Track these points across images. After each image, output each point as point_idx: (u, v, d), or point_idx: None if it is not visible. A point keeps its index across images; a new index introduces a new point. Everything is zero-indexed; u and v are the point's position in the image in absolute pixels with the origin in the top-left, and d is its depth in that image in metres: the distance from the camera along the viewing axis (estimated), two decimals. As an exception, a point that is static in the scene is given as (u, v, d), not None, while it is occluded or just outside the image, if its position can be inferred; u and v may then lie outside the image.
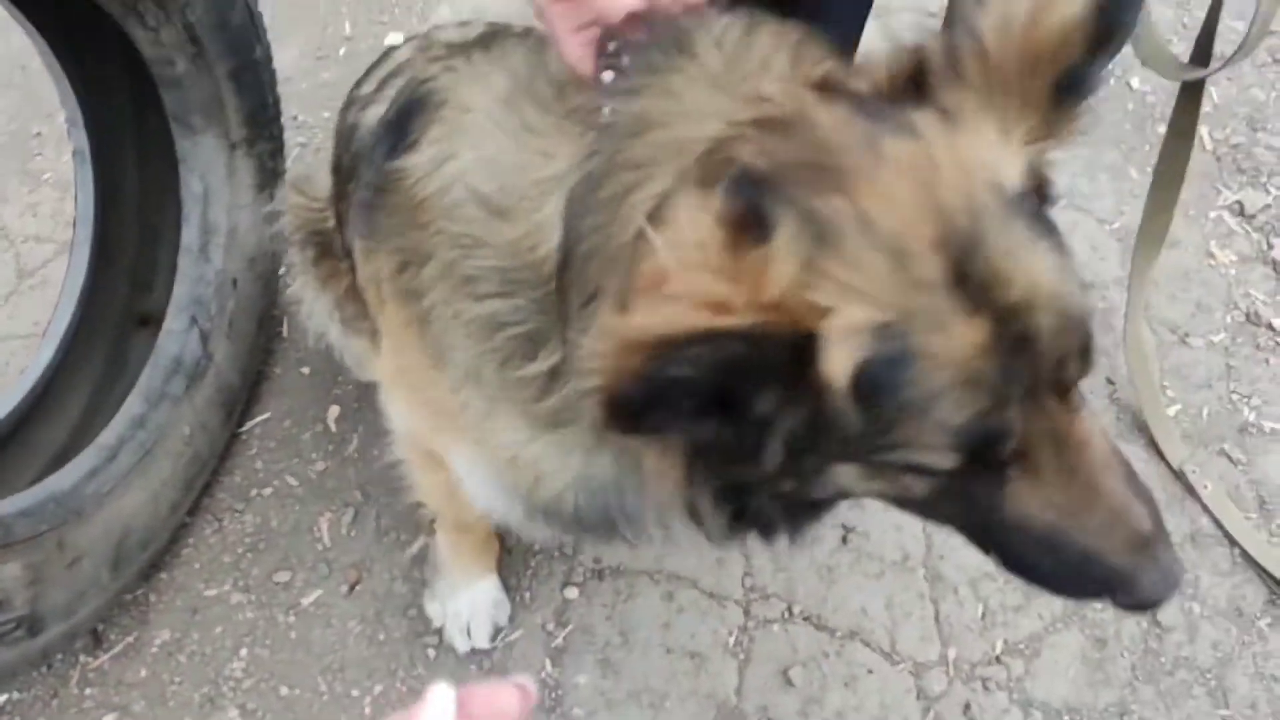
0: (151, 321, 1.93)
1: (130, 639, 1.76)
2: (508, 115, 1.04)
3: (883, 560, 1.83)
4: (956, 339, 0.75)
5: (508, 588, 1.81)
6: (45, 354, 1.81)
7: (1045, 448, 0.81)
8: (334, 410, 2.02)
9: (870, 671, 1.73)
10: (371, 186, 1.20)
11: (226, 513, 1.89)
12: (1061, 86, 0.82)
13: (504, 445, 1.13)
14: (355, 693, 1.71)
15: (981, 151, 0.80)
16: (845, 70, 0.89)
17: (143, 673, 1.73)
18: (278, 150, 1.93)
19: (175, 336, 1.78)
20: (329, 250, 1.58)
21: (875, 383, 0.75)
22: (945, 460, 0.80)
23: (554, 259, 0.95)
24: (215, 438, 1.84)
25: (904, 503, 0.91)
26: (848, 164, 0.77)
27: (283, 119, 1.97)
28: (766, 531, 0.98)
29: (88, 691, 1.72)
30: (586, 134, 0.94)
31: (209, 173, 1.79)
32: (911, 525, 1.86)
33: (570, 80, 1.00)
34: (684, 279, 0.72)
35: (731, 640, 1.76)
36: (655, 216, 0.81)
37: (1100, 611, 1.78)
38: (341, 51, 2.62)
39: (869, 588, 1.81)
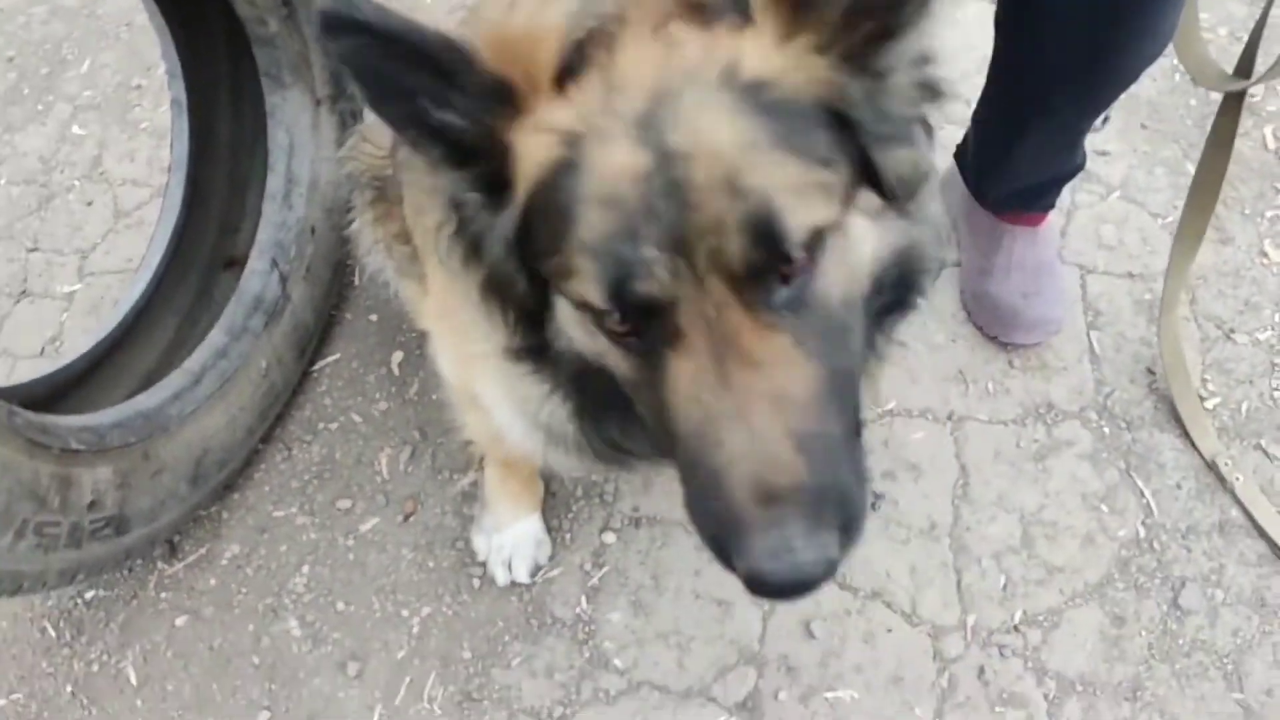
0: (236, 263, 2.08)
1: (203, 551, 1.92)
2: None
3: (910, 528, 1.90)
4: (613, 156, 0.80)
5: (550, 529, 1.92)
6: (139, 287, 1.97)
7: (702, 333, 0.80)
8: (398, 355, 2.15)
9: (890, 630, 1.80)
10: None
11: (296, 442, 2.03)
12: None
13: (489, 357, 1.20)
14: (405, 613, 1.84)
15: (740, 44, 0.84)
16: None
17: (213, 582, 1.89)
18: (357, 110, 2.06)
19: (257, 276, 1.92)
20: (385, 195, 1.72)
21: (549, 187, 0.84)
22: (596, 295, 0.82)
23: None
24: (289, 372, 1.98)
25: (619, 380, 0.94)
26: (633, 25, 0.87)
27: (364, 79, 2.09)
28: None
29: (163, 595, 1.88)
30: None
31: (295, 126, 1.92)
32: (940, 497, 1.93)
33: None
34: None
35: (758, 592, 1.85)
36: None
37: (1122, 591, 1.83)
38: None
39: (894, 553, 1.87)
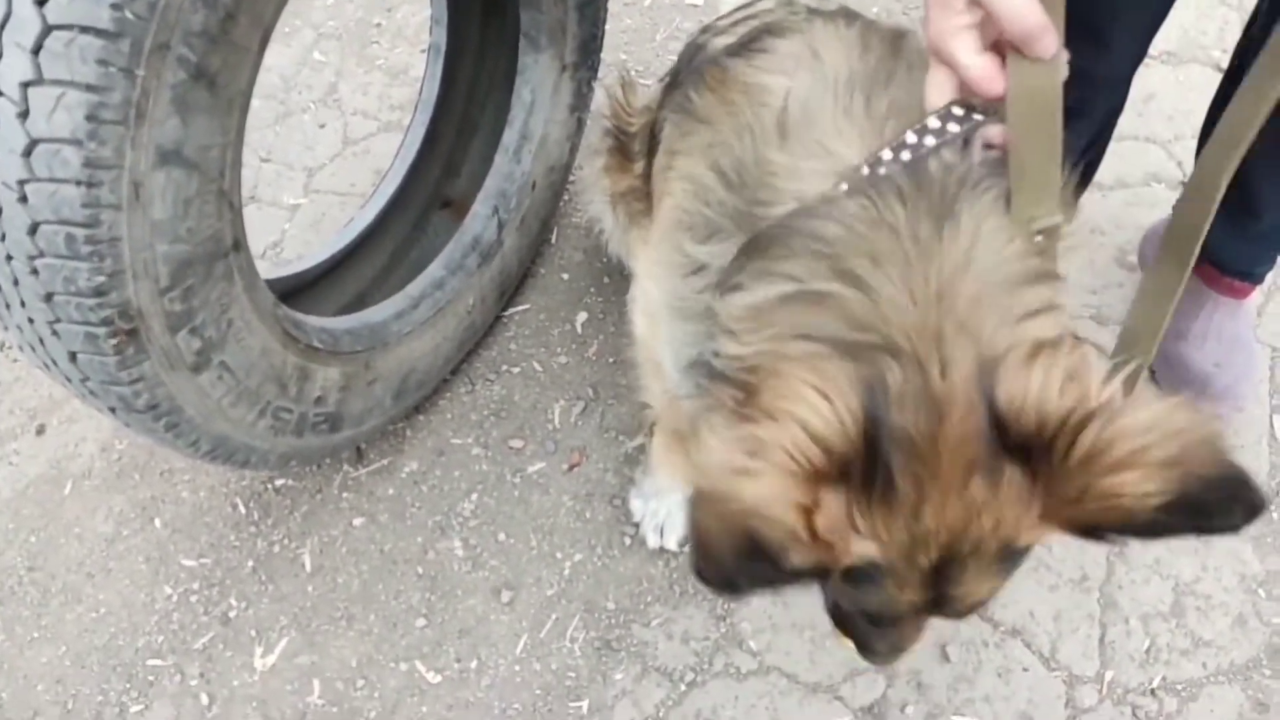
0: (452, 204, 2.22)
1: (385, 462, 2.06)
2: (843, 90, 1.12)
3: (1060, 575, 1.91)
4: (905, 598, 0.98)
5: (704, 505, 1.99)
6: (369, 213, 2.12)
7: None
8: (582, 315, 2.26)
9: (1025, 670, 1.82)
10: (703, 72, 1.32)
11: (480, 379, 2.16)
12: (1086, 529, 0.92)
13: (663, 320, 1.34)
14: (559, 555, 1.95)
15: (1019, 524, 0.92)
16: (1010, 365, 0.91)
17: (391, 491, 2.03)
18: (593, 79, 2.17)
19: (479, 220, 2.05)
20: (623, 150, 1.83)
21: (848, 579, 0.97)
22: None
23: (777, 212, 1.08)
24: (488, 312, 2.11)
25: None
26: (944, 466, 0.89)
27: (599, 53, 2.20)
28: None
29: (345, 495, 2.03)
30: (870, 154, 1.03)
31: (539, 86, 2.04)
32: (1096, 551, 1.93)
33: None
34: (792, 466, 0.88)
35: (897, 605, 1.89)
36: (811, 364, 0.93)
37: (1269, 678, 1.80)
38: (647, 3, 2.85)
39: (1041, 596, 1.89)
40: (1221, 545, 1.94)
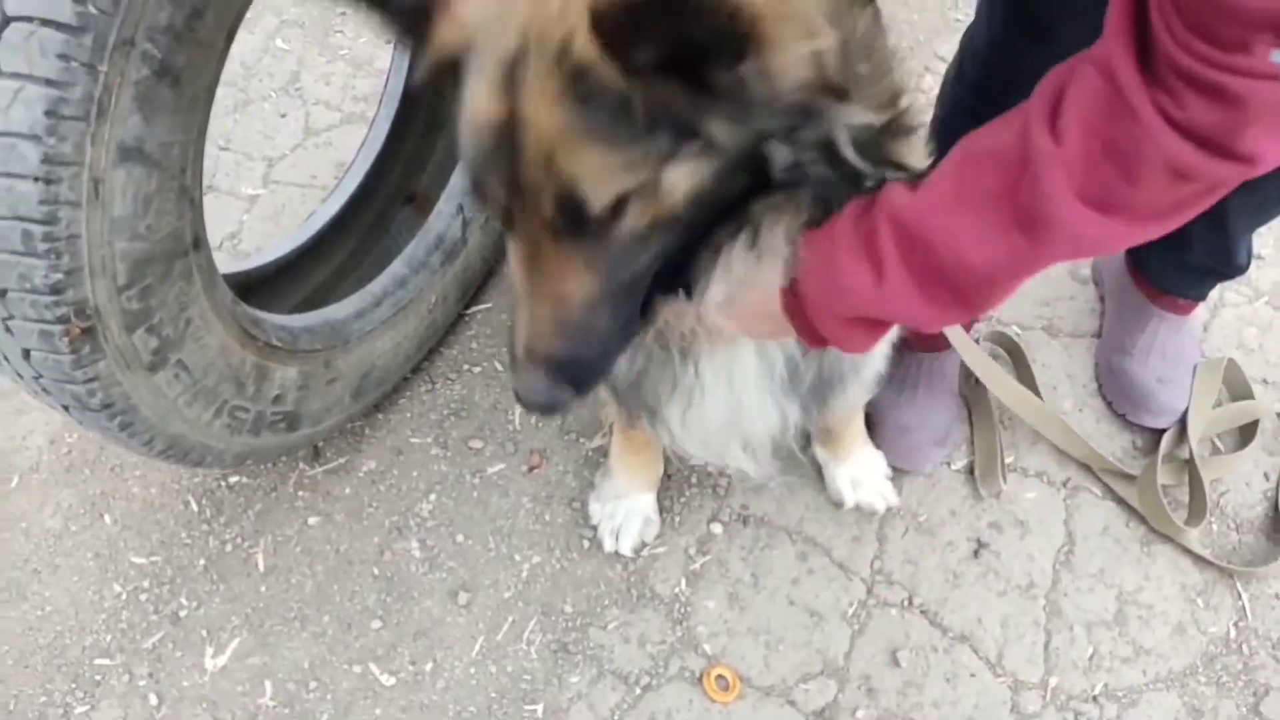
0: (415, 201, 2.20)
1: (343, 460, 2.04)
2: None
3: (1009, 581, 1.95)
4: (480, 99, 0.92)
5: (662, 509, 2.01)
6: (331, 207, 2.10)
7: (523, 237, 1.01)
8: (545, 316, 2.25)
9: (973, 675, 1.86)
10: None
11: (440, 378, 2.15)
12: None
13: None
14: (517, 557, 1.95)
15: (581, 18, 0.87)
16: None
17: (348, 490, 2.01)
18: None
19: (443, 217, 2.04)
20: None
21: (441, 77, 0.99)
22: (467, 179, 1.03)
23: None
24: (450, 311, 2.10)
25: None
26: None
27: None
28: None
29: (301, 494, 2.01)
30: None
31: (506, 84, 2.03)
32: (1043, 558, 1.98)
33: None
34: None
35: (850, 611, 1.92)
36: None
37: (1204, 685, 1.87)
38: (615, 1, 2.84)
39: (989, 602, 1.93)
40: (1164, 556, 2.00)
